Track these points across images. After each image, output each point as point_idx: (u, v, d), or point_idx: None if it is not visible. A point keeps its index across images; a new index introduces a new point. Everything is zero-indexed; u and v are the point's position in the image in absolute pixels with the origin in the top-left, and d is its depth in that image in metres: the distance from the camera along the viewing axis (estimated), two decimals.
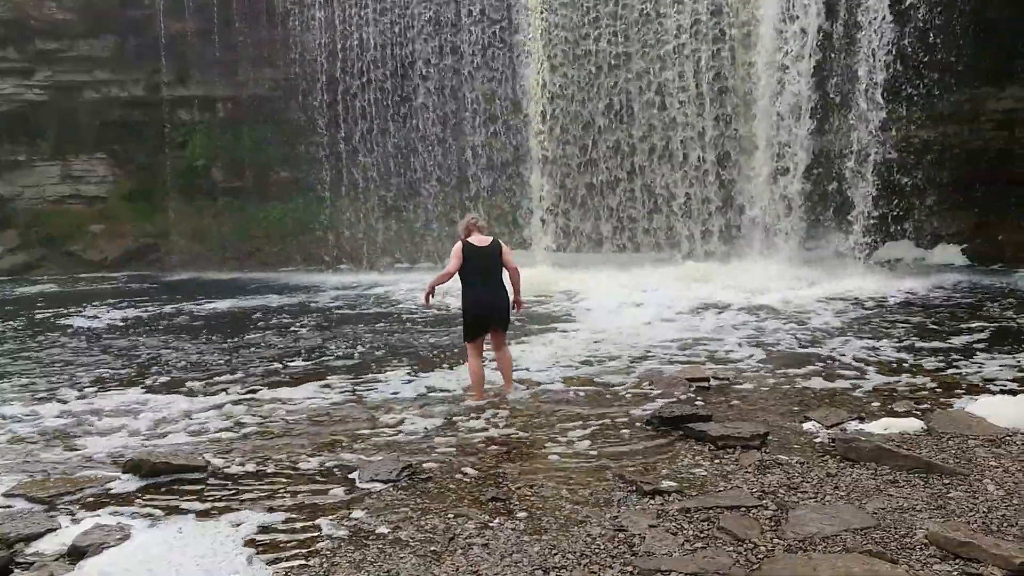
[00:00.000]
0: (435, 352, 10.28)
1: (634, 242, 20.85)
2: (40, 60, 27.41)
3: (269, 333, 12.67)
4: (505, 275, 7.47)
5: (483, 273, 7.32)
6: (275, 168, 26.65)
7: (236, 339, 12.12)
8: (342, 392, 8.11)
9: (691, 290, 14.93)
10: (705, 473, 4.99)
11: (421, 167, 24.21)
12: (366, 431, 6.44)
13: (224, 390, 8.40)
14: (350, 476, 5.20)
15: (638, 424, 6.21)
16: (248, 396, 8.04)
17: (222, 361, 10.29)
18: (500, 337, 7.55)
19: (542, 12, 21.02)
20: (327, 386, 8.38)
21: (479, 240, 7.38)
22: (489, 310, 7.37)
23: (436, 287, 7.43)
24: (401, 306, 15.56)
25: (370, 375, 8.90)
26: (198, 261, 26.81)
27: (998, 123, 18.58)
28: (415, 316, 13.91)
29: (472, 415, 6.77)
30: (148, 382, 9.04)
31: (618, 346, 10.02)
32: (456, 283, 7.54)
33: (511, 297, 7.50)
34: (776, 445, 5.50)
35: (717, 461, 5.21)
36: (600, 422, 6.38)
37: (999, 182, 18.16)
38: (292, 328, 13.17)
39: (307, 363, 9.93)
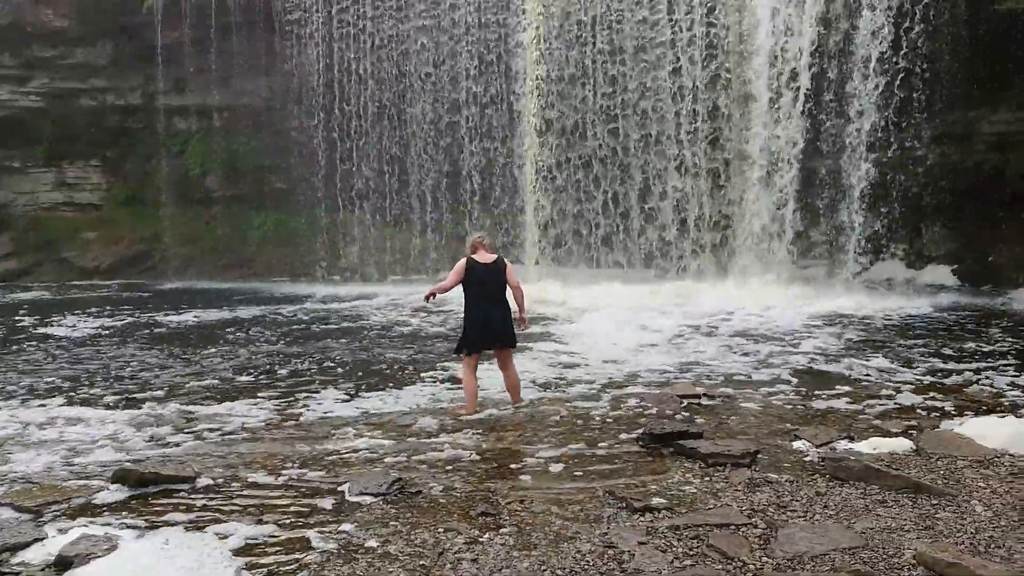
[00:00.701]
0: (395, 369, 10.23)
1: (627, 258, 20.90)
2: (36, 67, 27.42)
3: (233, 347, 12.61)
4: (509, 293, 7.52)
5: (485, 290, 7.39)
6: (270, 178, 26.66)
7: (198, 352, 12.06)
8: (279, 409, 7.95)
9: (684, 307, 15.00)
10: (695, 490, 4.99)
11: (416, 179, 24.25)
12: (326, 447, 6.33)
13: (165, 403, 8.32)
14: (339, 489, 5.18)
15: (628, 441, 6.21)
16: (188, 409, 7.96)
17: (176, 375, 10.19)
18: (504, 355, 7.59)
19: (540, 14, 21.14)
20: (257, 404, 8.20)
21: (483, 257, 7.46)
22: (491, 332, 7.41)
23: (436, 293, 7.51)
24: (372, 320, 15.55)
25: (314, 392, 8.81)
26: (192, 269, 26.79)
27: (991, 144, 18.72)
28: (391, 332, 13.89)
29: (461, 429, 6.76)
30: (86, 394, 8.96)
31: (608, 362, 10.03)
32: (449, 296, 7.55)
33: (515, 315, 7.55)
34: (766, 463, 5.51)
35: (707, 478, 5.21)
36: (590, 438, 6.37)
37: (990, 203, 18.29)
38: (259, 342, 13.12)
39: (256, 379, 9.80)
